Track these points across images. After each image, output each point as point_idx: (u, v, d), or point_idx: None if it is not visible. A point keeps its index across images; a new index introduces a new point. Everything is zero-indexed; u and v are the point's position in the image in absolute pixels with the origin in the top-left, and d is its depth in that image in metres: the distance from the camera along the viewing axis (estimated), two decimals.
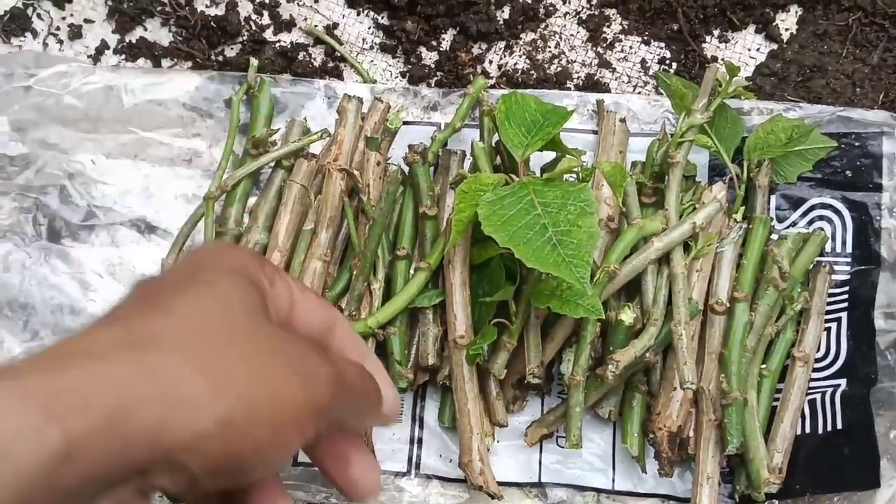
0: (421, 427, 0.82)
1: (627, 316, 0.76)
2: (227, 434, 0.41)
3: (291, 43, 0.94)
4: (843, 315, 0.81)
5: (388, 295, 0.81)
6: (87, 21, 0.95)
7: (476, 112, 0.87)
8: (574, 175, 0.77)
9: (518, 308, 0.76)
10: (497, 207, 0.70)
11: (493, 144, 0.83)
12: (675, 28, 0.93)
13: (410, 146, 0.83)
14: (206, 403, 0.40)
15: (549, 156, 0.82)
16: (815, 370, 0.80)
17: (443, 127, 0.86)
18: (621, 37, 0.94)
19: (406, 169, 0.83)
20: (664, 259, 0.78)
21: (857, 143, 0.84)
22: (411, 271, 0.81)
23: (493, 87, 0.92)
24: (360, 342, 0.57)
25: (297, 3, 0.95)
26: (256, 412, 0.42)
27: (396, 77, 0.94)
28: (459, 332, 0.76)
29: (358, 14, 0.95)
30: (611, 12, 0.94)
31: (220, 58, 0.94)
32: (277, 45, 0.94)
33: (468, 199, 0.72)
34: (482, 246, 0.77)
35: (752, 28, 0.94)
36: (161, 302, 0.44)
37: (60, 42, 0.95)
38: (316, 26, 0.94)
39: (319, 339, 0.53)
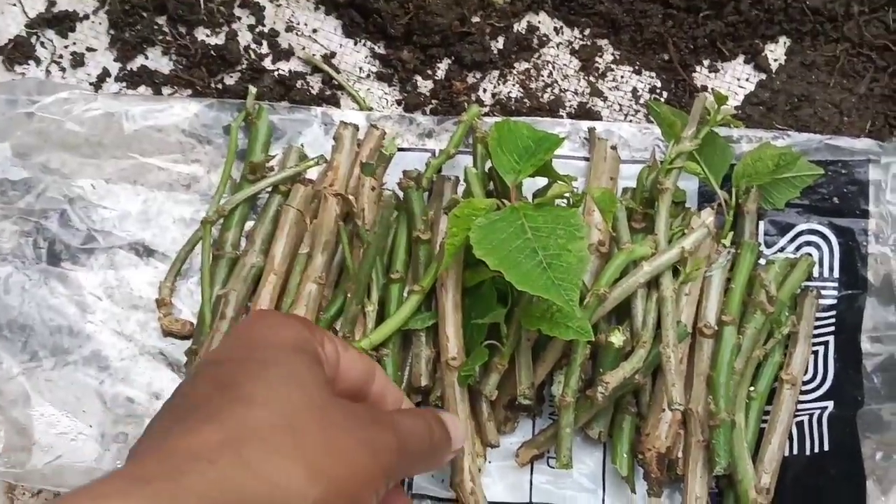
0: None
1: (617, 338, 0.77)
2: None
3: (290, 71, 0.96)
4: (831, 339, 0.82)
5: (382, 318, 0.82)
6: (89, 49, 0.97)
7: (470, 139, 0.88)
8: (565, 200, 0.79)
9: (509, 330, 0.77)
10: (488, 232, 0.72)
11: (486, 170, 0.84)
12: (666, 58, 0.95)
13: (405, 172, 0.84)
14: (304, 490, 0.46)
15: (542, 182, 0.84)
16: (802, 393, 0.81)
17: (437, 153, 0.88)
18: (613, 66, 0.95)
19: (401, 194, 0.85)
20: (653, 283, 0.79)
21: (843, 171, 0.86)
22: (405, 294, 0.82)
23: (486, 114, 0.93)
24: (395, 388, 0.64)
25: (296, 33, 0.97)
26: (341, 488, 0.48)
27: (392, 105, 0.95)
28: (451, 354, 0.77)
29: (355, 43, 0.97)
30: (603, 42, 0.96)
31: (220, 85, 0.96)
32: (276, 73, 0.96)
33: (461, 224, 0.74)
34: (474, 270, 0.78)
35: (741, 58, 0.96)
36: (239, 391, 0.49)
37: (63, 70, 0.97)
38: (314, 55, 0.96)
39: (361, 387, 0.60)
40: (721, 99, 0.81)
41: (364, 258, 0.80)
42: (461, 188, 0.86)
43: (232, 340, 0.55)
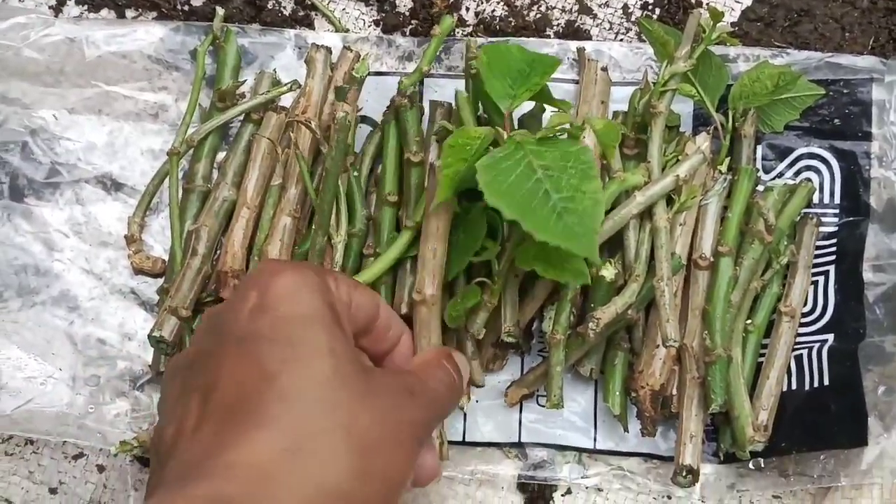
0: None
1: (609, 272, 0.73)
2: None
3: None
4: (831, 268, 0.79)
5: (360, 248, 0.79)
6: None
7: (453, 60, 0.84)
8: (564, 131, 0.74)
9: (500, 267, 0.73)
10: (496, 172, 0.64)
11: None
12: None
13: (399, 90, 0.79)
14: (353, 491, 0.48)
15: (528, 106, 0.79)
16: (801, 325, 0.78)
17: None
18: None
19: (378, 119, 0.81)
20: (646, 213, 0.75)
21: (845, 91, 0.82)
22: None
23: (469, 34, 0.89)
24: (398, 319, 0.65)
25: None
26: (387, 476, 0.51)
27: (370, 26, 0.90)
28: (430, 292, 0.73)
29: None
30: None
31: (186, 7, 0.90)
32: None
33: (456, 154, 0.67)
34: (468, 200, 0.73)
35: None
36: (280, 385, 0.49)
37: None
38: None
39: (368, 323, 0.60)
40: (717, 15, 0.76)
41: (324, 186, 0.75)
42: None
43: (253, 311, 0.52)
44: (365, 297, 0.60)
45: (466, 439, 0.79)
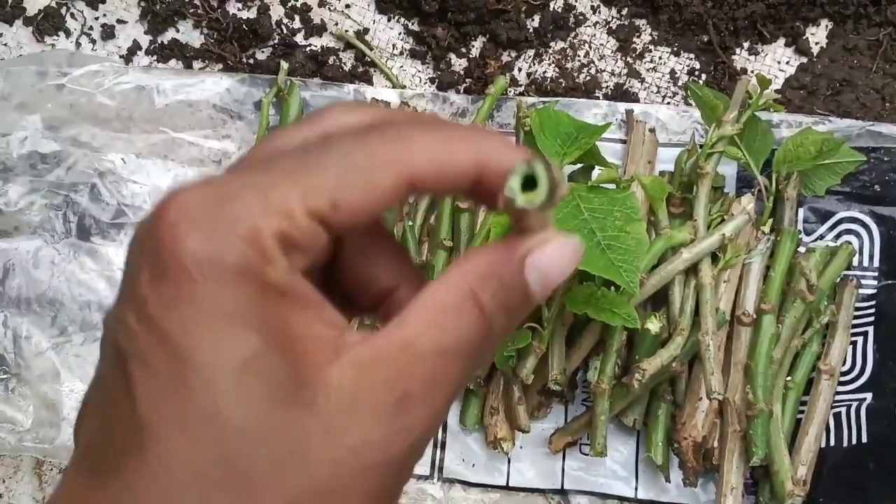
0: (444, 430, 0.82)
1: (654, 325, 0.76)
2: None
3: (322, 47, 0.95)
4: (870, 329, 0.81)
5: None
6: (119, 21, 0.96)
7: (504, 117, 0.87)
8: (613, 185, 0.77)
9: (550, 313, 0.76)
10: None
11: None
12: (706, 40, 0.93)
13: None
14: None
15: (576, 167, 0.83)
16: (840, 383, 0.80)
17: None
18: (651, 47, 0.94)
19: None
20: (692, 269, 0.78)
21: (886, 158, 0.84)
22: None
23: (521, 94, 0.92)
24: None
25: (328, 8, 0.96)
26: None
27: (425, 83, 0.94)
28: None
29: (388, 20, 0.96)
30: (641, 22, 0.94)
31: (251, 61, 0.95)
32: (308, 49, 0.95)
33: None
34: None
35: (781, 41, 0.94)
36: (169, 467, 0.29)
37: (93, 42, 0.96)
38: (347, 31, 0.95)
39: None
40: (764, 82, 0.79)
41: None
42: None
43: (142, 308, 0.30)
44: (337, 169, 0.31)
45: (510, 484, 0.81)
